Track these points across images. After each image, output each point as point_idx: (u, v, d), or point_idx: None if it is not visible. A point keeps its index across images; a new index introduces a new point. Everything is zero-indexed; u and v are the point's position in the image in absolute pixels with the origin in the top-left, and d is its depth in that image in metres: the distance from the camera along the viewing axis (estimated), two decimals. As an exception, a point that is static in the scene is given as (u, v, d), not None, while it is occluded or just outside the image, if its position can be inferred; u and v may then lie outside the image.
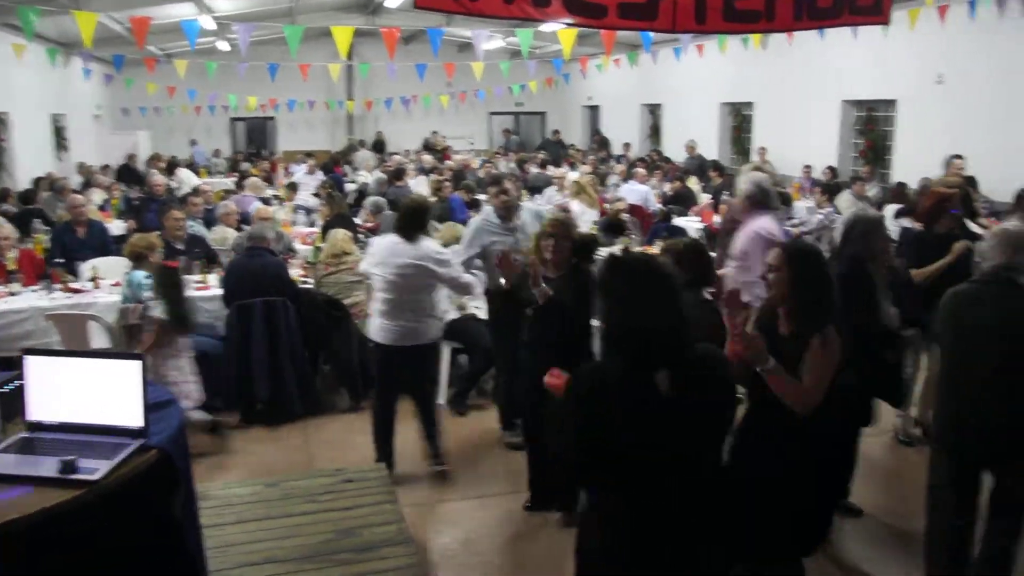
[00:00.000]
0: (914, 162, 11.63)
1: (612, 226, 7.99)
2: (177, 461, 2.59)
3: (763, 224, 4.96)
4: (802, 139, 14.47)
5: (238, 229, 8.28)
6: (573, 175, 12.88)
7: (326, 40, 10.81)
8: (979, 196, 9.93)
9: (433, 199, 10.01)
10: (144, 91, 16.95)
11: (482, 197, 10.46)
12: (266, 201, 10.49)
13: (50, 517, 2.20)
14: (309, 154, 16.49)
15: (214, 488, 4.00)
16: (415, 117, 22.23)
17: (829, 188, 10.60)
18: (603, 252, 5.87)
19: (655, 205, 11.19)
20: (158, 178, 11.31)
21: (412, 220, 4.83)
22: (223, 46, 17.35)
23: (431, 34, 9.97)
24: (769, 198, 5.11)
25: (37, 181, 12.05)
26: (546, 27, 12.37)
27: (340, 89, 21.48)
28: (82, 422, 2.62)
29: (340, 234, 6.73)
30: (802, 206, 11.15)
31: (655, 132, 20.83)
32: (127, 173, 15.57)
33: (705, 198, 11.73)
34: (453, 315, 6.18)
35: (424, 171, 14.64)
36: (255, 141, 23.41)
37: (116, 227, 9.58)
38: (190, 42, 9.85)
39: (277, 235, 7.40)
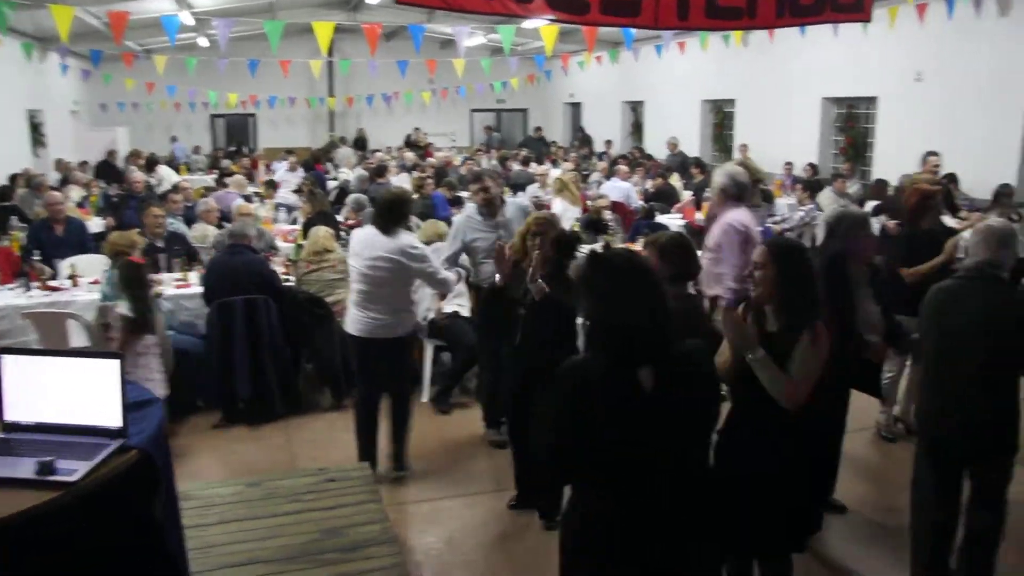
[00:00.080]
0: (894, 159, 11.73)
1: (594, 224, 7.98)
2: (157, 461, 2.55)
3: (737, 216, 5.00)
4: (783, 136, 14.55)
5: (219, 226, 8.22)
6: (555, 172, 12.88)
7: (307, 36, 10.77)
8: (960, 193, 10.03)
9: (415, 196, 9.98)
10: (123, 87, 16.81)
11: (464, 194, 10.44)
12: (248, 199, 10.40)
13: (27, 519, 2.15)
14: (290, 151, 16.41)
15: (195, 488, 3.95)
16: (397, 114, 22.17)
17: (810, 185, 10.65)
18: (585, 249, 5.86)
19: (637, 202, 11.21)
20: (137, 175, 11.19)
21: (389, 213, 4.78)
22: (203, 42, 17.22)
23: (413, 30, 9.95)
24: (744, 191, 5.14)
25: (13, 178, 11.89)
26: (528, 24, 12.34)
27: (321, 86, 21.37)
28: (60, 422, 2.57)
29: (322, 231, 6.69)
30: (783, 203, 11.20)
31: (637, 129, 20.88)
32: (107, 169, 15.43)
33: (687, 195, 11.75)
34: (435, 313, 6.15)
35: (406, 168, 14.59)
36: (235, 138, 23.23)
37: (95, 224, 9.47)
38: (170, 38, 9.76)
39: (259, 233, 7.34)
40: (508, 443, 4.77)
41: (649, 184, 12.66)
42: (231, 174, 13.38)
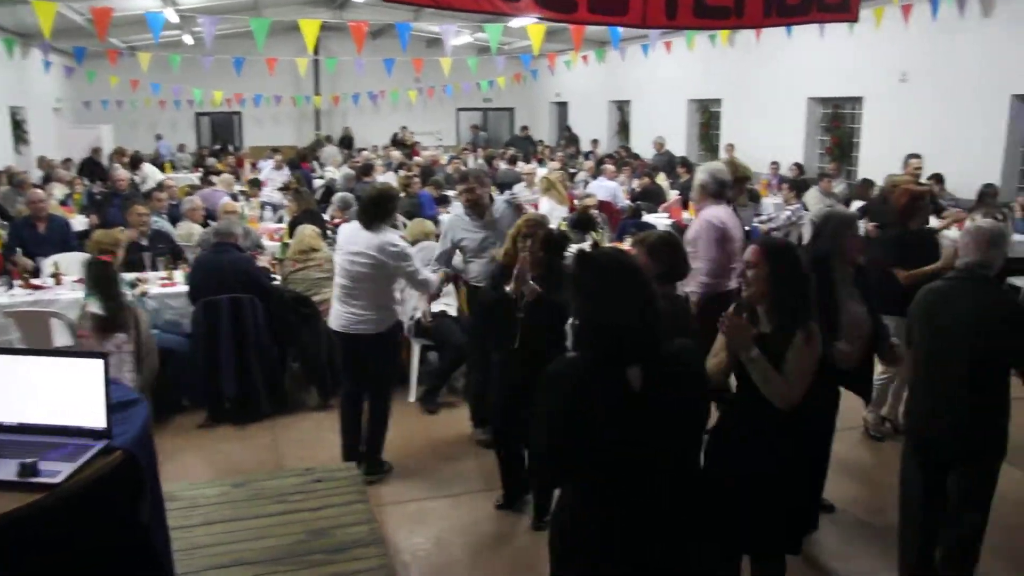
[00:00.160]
0: (879, 159, 11.79)
1: (582, 222, 7.97)
2: (142, 462, 2.52)
3: (715, 213, 5.04)
4: (769, 136, 14.60)
5: (204, 225, 8.16)
6: (542, 171, 12.87)
7: (293, 34, 10.72)
8: (947, 193, 10.10)
9: (402, 195, 9.95)
10: (106, 84, 16.67)
11: (451, 193, 10.42)
12: (234, 197, 10.35)
13: (9, 522, 2.12)
14: (276, 149, 16.34)
15: (180, 489, 3.92)
16: (383, 112, 22.10)
17: (797, 185, 10.68)
18: (573, 248, 5.85)
19: (624, 201, 11.22)
20: (121, 173, 11.09)
21: (374, 208, 4.74)
22: (187, 39, 17.11)
23: (400, 29, 9.93)
24: (724, 189, 5.18)
25: (-5, 175, 11.79)
26: (515, 23, 12.33)
27: (307, 84, 21.30)
28: (43, 423, 2.54)
29: (308, 230, 6.65)
30: (770, 202, 11.23)
31: (623, 128, 20.90)
32: (91, 167, 15.30)
33: (674, 194, 11.75)
34: (421, 313, 6.11)
35: (392, 167, 14.54)
36: (220, 136, 23.10)
37: (78, 222, 9.39)
38: (154, 35, 9.68)
39: (244, 231, 7.30)
40: (495, 443, 4.74)
41: (636, 183, 12.66)
42: (216, 172, 13.31)
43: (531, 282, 4.10)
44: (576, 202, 9.70)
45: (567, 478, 2.44)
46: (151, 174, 13.62)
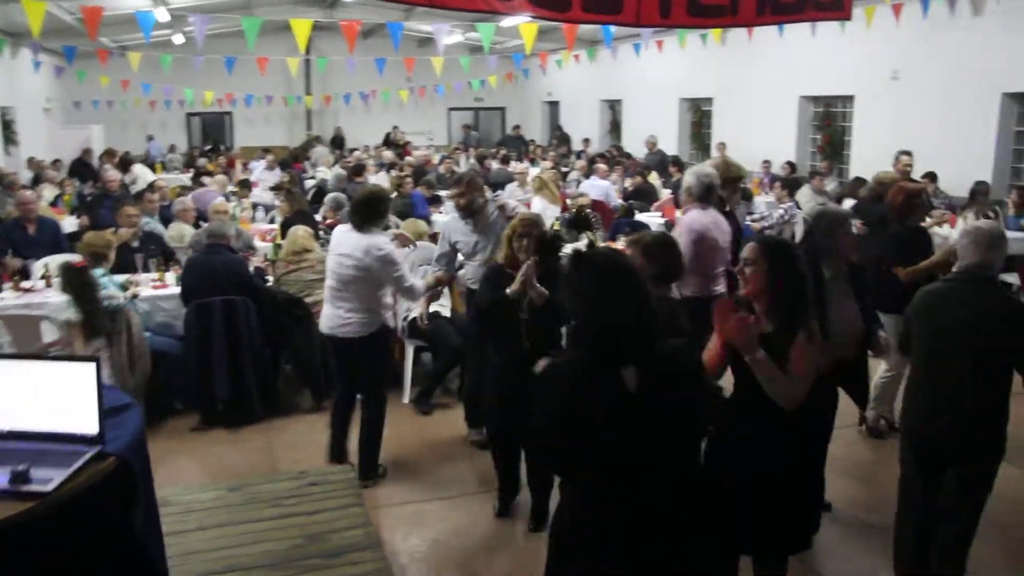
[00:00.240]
0: (871, 157, 11.80)
1: (578, 222, 7.95)
2: (136, 468, 2.49)
3: (694, 217, 5.11)
4: (761, 134, 14.61)
5: (196, 226, 8.11)
6: (534, 171, 12.85)
7: (283, 34, 10.66)
8: (940, 192, 10.11)
9: (394, 195, 9.92)
10: (97, 84, 16.60)
11: (443, 193, 10.40)
12: (226, 198, 10.30)
13: (1, 531, 2.09)
14: (267, 150, 16.27)
15: (174, 493, 3.89)
16: (374, 112, 22.04)
17: (789, 183, 10.69)
18: (568, 248, 5.85)
19: (616, 201, 11.20)
20: (112, 174, 11.03)
21: (364, 210, 4.71)
22: (178, 39, 17.03)
23: (391, 28, 9.89)
24: (708, 192, 5.22)
25: (-16, 176, 11.69)
26: (507, 22, 12.33)
27: (298, 84, 21.22)
28: (34, 430, 2.51)
29: (300, 231, 6.61)
30: (762, 201, 11.24)
31: (615, 128, 20.90)
32: (81, 168, 15.21)
33: (666, 193, 11.75)
34: (416, 312, 6.07)
35: (384, 167, 14.50)
36: (211, 136, 23.00)
37: (69, 223, 9.33)
38: (145, 34, 9.62)
39: (236, 232, 7.26)
40: (491, 445, 4.69)
41: (628, 183, 12.65)
42: (207, 173, 13.24)
43: (538, 285, 4.06)
44: (569, 201, 9.68)
45: (567, 477, 2.42)
46: (142, 175, 13.55)
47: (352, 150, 18.93)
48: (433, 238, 6.90)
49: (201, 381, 5.76)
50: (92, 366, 2.50)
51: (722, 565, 3.07)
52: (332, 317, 4.76)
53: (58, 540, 2.25)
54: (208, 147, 20.55)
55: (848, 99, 13.23)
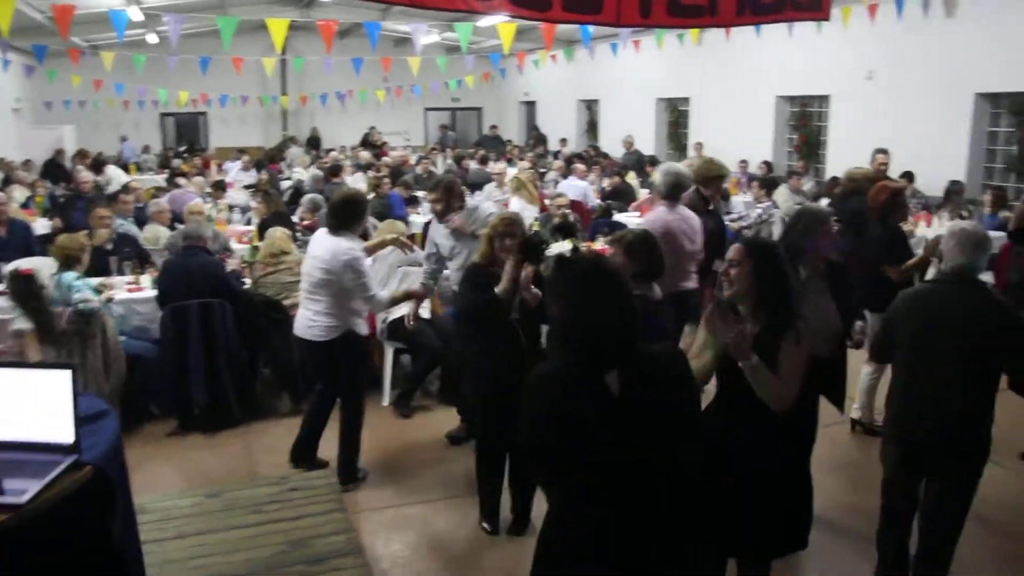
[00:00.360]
0: (847, 156, 11.87)
1: (563, 228, 7.94)
2: (113, 477, 2.43)
3: (656, 214, 5.25)
4: (738, 134, 14.68)
5: (171, 228, 8.01)
6: (512, 171, 12.82)
7: (259, 34, 10.58)
8: (917, 191, 10.20)
9: (372, 196, 9.86)
10: (68, 84, 16.33)
11: (420, 194, 10.35)
12: (202, 199, 10.17)
13: (-26, 544, 2.04)
14: (242, 150, 16.13)
15: (151, 500, 3.81)
16: (350, 113, 21.91)
17: (767, 183, 10.74)
18: (553, 250, 5.86)
19: (594, 201, 11.20)
20: (85, 175, 10.88)
21: (339, 212, 4.68)
22: (151, 39, 16.83)
23: (369, 28, 9.83)
24: (676, 191, 5.32)
25: (-48, 178, 11.51)
26: (485, 21, 12.30)
27: (274, 84, 21.05)
28: (7, 439, 2.44)
29: (278, 233, 6.54)
30: (739, 201, 11.29)
31: (592, 128, 20.91)
32: (54, 169, 14.98)
33: (644, 193, 11.76)
34: (396, 315, 6.02)
35: (361, 167, 14.42)
36: (186, 137, 22.76)
37: (40, 225, 9.18)
38: (118, 33, 9.49)
39: (213, 234, 7.17)
40: (479, 454, 4.58)
41: (606, 183, 12.66)
42: (182, 174, 13.10)
43: (533, 288, 4.04)
44: (547, 202, 9.66)
45: (555, 482, 2.40)
46: (116, 176, 13.39)
47: (329, 151, 18.81)
48: (412, 239, 6.86)
49: (178, 385, 5.68)
50: (67, 373, 2.44)
51: (713, 566, 3.06)
52: (301, 318, 4.78)
53: (34, 552, 2.19)
54: (183, 148, 20.32)
55: (824, 99, 13.32)
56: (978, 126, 10.67)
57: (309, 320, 4.71)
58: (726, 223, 8.87)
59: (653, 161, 14.13)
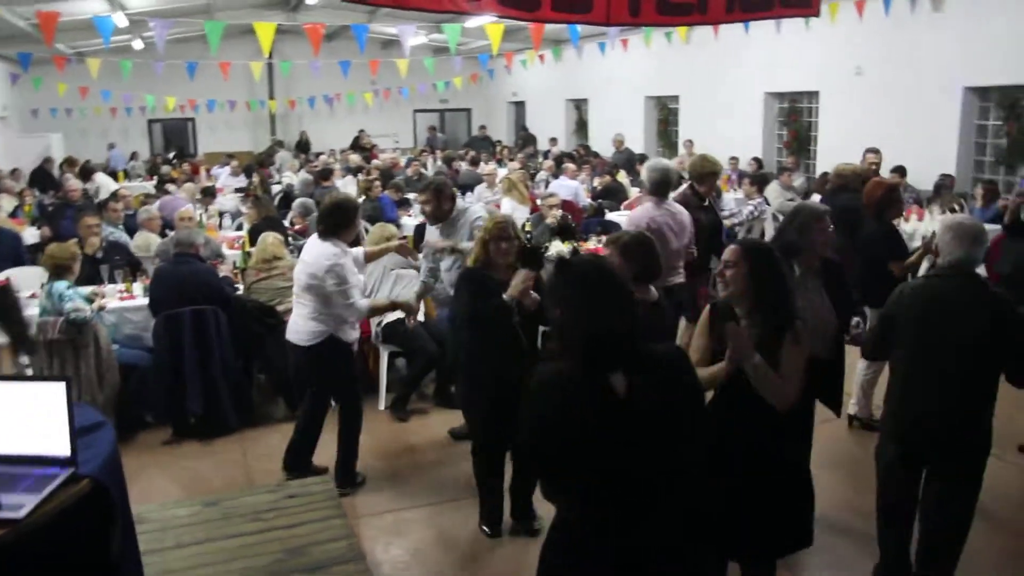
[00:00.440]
0: (837, 152, 11.91)
1: (562, 230, 7.95)
2: (111, 490, 2.40)
3: (642, 210, 5.30)
4: (727, 131, 14.69)
5: (162, 235, 7.96)
6: (503, 172, 12.80)
7: (245, 38, 10.53)
8: (908, 186, 10.23)
9: (363, 199, 9.83)
10: (54, 91, 16.26)
11: (411, 196, 10.32)
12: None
13: (-29, 561, 2.01)
14: (231, 155, 16.06)
15: (149, 510, 3.77)
16: (339, 116, 21.87)
17: (758, 179, 10.76)
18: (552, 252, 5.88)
19: (586, 200, 11.20)
20: (73, 183, 10.81)
21: (327, 219, 4.68)
22: (137, 45, 16.75)
23: (356, 30, 9.80)
24: (662, 187, 5.35)
25: (-61, 188, 11.42)
26: (473, 22, 12.27)
27: (261, 88, 20.98)
28: (2, 453, 2.41)
29: (271, 238, 6.50)
30: (730, 198, 11.29)
31: (581, 127, 20.91)
32: (42, 177, 14.89)
33: (635, 192, 11.76)
34: (391, 318, 5.99)
35: (351, 171, 14.38)
36: (174, 143, 22.65)
37: (30, 235, 9.13)
38: (104, 40, 9.44)
39: (205, 240, 7.12)
40: (481, 460, 4.56)
41: (597, 182, 12.65)
42: (171, 180, 13.04)
43: (533, 293, 4.03)
44: (539, 202, 9.64)
45: (559, 485, 2.38)
46: (104, 184, 13.31)
47: (318, 154, 18.75)
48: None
49: (172, 393, 5.64)
50: (62, 386, 2.41)
51: (714, 567, 3.05)
52: (291, 322, 4.81)
53: (32, 567, 2.16)
54: (173, 154, 20.22)
55: (813, 95, 13.34)
56: (967, 120, 10.71)
57: (295, 323, 4.74)
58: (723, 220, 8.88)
59: (643, 159, 14.07)
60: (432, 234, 5.39)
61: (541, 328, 4.27)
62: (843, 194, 6.42)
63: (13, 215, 10.43)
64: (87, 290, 5.77)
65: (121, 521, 2.43)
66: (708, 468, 2.50)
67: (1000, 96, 10.47)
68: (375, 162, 15.50)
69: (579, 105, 20.99)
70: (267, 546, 3.40)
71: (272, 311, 6.07)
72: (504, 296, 4.02)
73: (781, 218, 9.50)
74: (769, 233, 9.51)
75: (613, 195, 11.51)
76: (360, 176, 12.78)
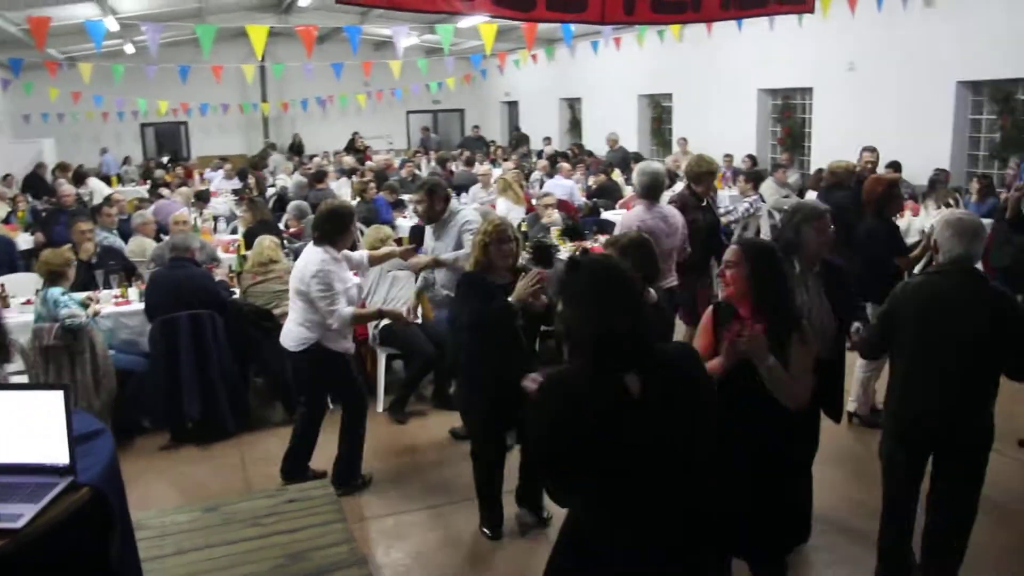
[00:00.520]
0: (831, 148, 11.92)
1: (571, 230, 7.95)
2: (111, 498, 2.38)
3: (636, 214, 5.30)
4: (721, 128, 14.69)
5: (157, 239, 7.93)
6: (497, 172, 12.79)
7: (238, 41, 10.51)
8: (904, 181, 10.24)
9: (357, 201, 9.80)
10: (46, 97, 16.21)
11: (406, 197, 10.30)
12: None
13: (-30, 572, 1.98)
14: (224, 159, 16.02)
15: (148, 517, 3.74)
16: (332, 118, 21.83)
17: (753, 176, 10.74)
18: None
19: (581, 200, 11.18)
20: (67, 188, 10.77)
21: (321, 226, 4.68)
22: (129, 49, 16.70)
23: (349, 32, 9.76)
24: (652, 190, 5.37)
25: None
26: (465, 23, 12.26)
27: (254, 91, 20.95)
28: (0, 462, 2.39)
29: (267, 241, 6.48)
30: (725, 195, 11.29)
31: (575, 126, 20.90)
32: (35, 182, 14.82)
33: (630, 191, 11.74)
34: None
35: (345, 173, 14.35)
36: (167, 147, 22.59)
37: (23, 241, 9.09)
38: (95, 44, 9.40)
39: (200, 244, 7.09)
40: (482, 461, 4.54)
41: (591, 181, 12.64)
42: (165, 184, 12.99)
43: (542, 296, 4.03)
44: (534, 202, 9.63)
45: (572, 484, 2.36)
46: (98, 189, 13.25)
47: (312, 156, 18.71)
48: (398, 243, 6.82)
49: (169, 398, 5.61)
50: (60, 394, 2.38)
51: (717, 566, 3.04)
52: (284, 326, 4.85)
53: (32, 578, 2.14)
54: (167, 158, 20.15)
55: (807, 91, 13.36)
56: (960, 114, 10.73)
57: (287, 329, 4.77)
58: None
59: (638, 158, 14.11)
60: (427, 233, 5.38)
61: (542, 328, 4.27)
62: (837, 192, 6.41)
63: (6, 221, 10.39)
64: (82, 296, 5.74)
65: (121, 529, 2.41)
66: (711, 467, 2.49)
67: (993, 90, 10.50)
68: (369, 164, 15.47)
69: (572, 104, 20.98)
70: (268, 551, 3.38)
71: (268, 314, 6.05)
72: (511, 299, 4.01)
73: (776, 215, 9.52)
74: (765, 230, 9.50)
75: (608, 194, 11.50)
76: (354, 178, 12.75)
